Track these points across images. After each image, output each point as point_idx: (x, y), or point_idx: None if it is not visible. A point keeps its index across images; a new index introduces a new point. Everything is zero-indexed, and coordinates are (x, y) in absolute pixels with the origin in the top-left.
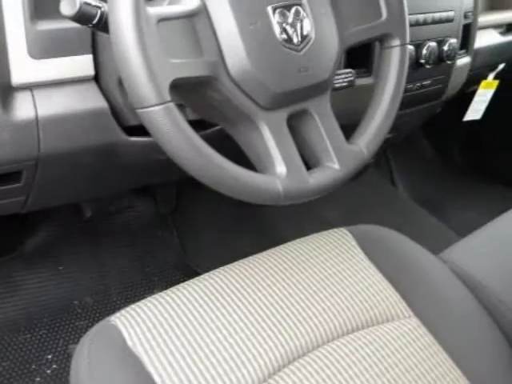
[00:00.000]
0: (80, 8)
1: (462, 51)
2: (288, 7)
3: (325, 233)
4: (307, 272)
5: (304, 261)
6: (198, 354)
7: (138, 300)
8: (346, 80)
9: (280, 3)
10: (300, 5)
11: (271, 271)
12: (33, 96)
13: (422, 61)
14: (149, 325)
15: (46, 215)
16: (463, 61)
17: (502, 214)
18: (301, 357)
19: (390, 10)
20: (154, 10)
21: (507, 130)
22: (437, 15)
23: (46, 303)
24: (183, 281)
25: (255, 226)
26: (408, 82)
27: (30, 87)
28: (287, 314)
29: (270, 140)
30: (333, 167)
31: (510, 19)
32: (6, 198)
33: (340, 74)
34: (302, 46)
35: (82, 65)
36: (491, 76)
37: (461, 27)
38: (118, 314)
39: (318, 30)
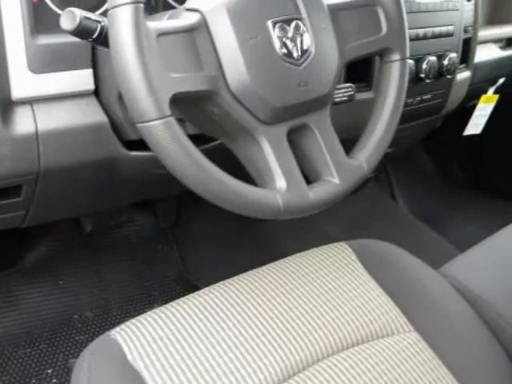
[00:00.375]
0: (80, 22)
1: (462, 65)
2: (288, 21)
3: (325, 247)
4: (307, 286)
5: (304, 275)
6: (198, 369)
7: (138, 314)
8: (346, 94)
9: (280, 17)
10: (300, 19)
11: (271, 285)
12: (33, 110)
13: (422, 75)
14: (149, 339)
15: (46, 229)
16: (463, 75)
17: (502, 229)
18: (301, 371)
19: (390, 24)
20: (153, 25)
21: (507, 144)
22: (437, 30)
23: (46, 317)
24: (183, 295)
25: (255, 241)
26: (408, 96)
27: (30, 101)
28: (287, 329)
29: (270, 154)
30: (333, 182)
31: (509, 34)
32: (6, 212)
33: (340, 89)
34: (302, 60)
35: (82, 79)
36: (491, 90)
37: (461, 42)
38: (118, 329)
39: (318, 45)
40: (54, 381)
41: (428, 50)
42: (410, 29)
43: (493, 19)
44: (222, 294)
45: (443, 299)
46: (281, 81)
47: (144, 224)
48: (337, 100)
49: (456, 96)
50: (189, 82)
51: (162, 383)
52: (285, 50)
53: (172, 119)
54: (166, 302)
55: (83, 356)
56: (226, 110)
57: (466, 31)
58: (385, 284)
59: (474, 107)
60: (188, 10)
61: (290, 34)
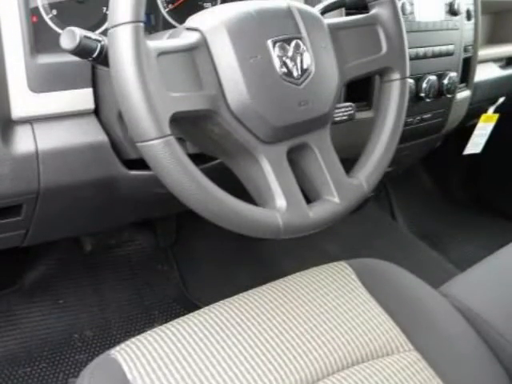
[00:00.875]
0: (80, 42)
1: (462, 85)
2: (288, 41)
3: (325, 266)
4: (307, 305)
5: (304, 294)
6: None
7: (138, 333)
8: (346, 113)
9: (280, 37)
10: (300, 38)
11: (271, 305)
12: (33, 129)
13: (422, 94)
14: (149, 358)
15: (46, 249)
16: (463, 94)
17: (502, 248)
18: None
19: (390, 43)
20: (153, 44)
21: (507, 163)
22: (437, 49)
23: (46, 336)
24: (183, 314)
25: (255, 260)
26: (408, 115)
27: (30, 121)
28: (287, 348)
29: (270, 173)
30: (333, 201)
31: (509, 53)
32: (7, 231)
33: (340, 108)
34: (302, 79)
35: (82, 98)
36: (491, 109)
37: (461, 61)
38: (118, 348)
39: (318, 64)
40: None
41: (428, 69)
42: (410, 48)
43: (493, 38)
44: (222, 313)
45: (443, 318)
46: (281, 100)
47: (144, 243)
48: (337, 119)
49: (456, 115)
50: (189, 101)
51: None
52: (285, 70)
53: (172, 138)
54: (166, 321)
55: (83, 375)
56: (226, 129)
57: (466, 50)
58: (385, 303)
59: (474, 126)
60: (188, 29)
61: (290, 54)
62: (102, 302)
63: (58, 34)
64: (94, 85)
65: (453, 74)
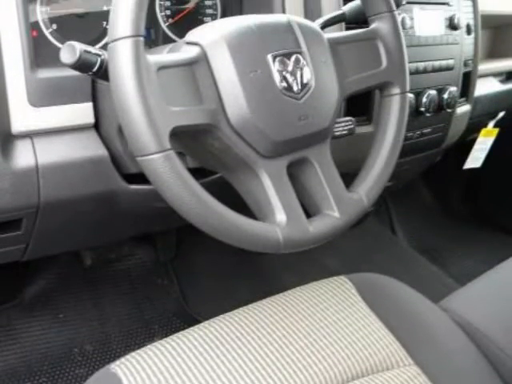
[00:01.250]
0: (80, 56)
1: (462, 99)
2: (288, 55)
3: (325, 281)
4: (307, 320)
5: (304, 309)
6: None
7: (139, 348)
8: (346, 128)
9: (280, 51)
10: (300, 53)
11: (271, 319)
12: (33, 144)
13: (422, 109)
14: (149, 373)
15: (45, 263)
16: (463, 109)
17: (502, 263)
18: None
19: (390, 58)
20: (153, 58)
21: (507, 178)
22: (437, 63)
23: (46, 351)
24: (183, 328)
25: (255, 274)
26: (408, 130)
27: (30, 135)
28: (287, 362)
29: (270, 188)
30: (333, 215)
31: (509, 67)
32: (7, 245)
33: (340, 122)
34: (302, 94)
35: (82, 113)
36: (491, 124)
37: (461, 75)
38: (118, 362)
39: (318, 78)
40: None
41: (428, 83)
42: (410, 62)
43: (493, 53)
44: (222, 327)
45: (443, 333)
46: (281, 114)
47: (144, 257)
48: (337, 134)
49: (456, 130)
50: (189, 115)
51: None
52: (285, 84)
53: (172, 153)
54: (166, 335)
55: None
56: (226, 144)
57: (466, 65)
58: (385, 317)
59: (473, 141)
60: (188, 43)
61: (290, 68)
62: (102, 316)
63: (58, 49)
64: (94, 99)
65: (453, 89)
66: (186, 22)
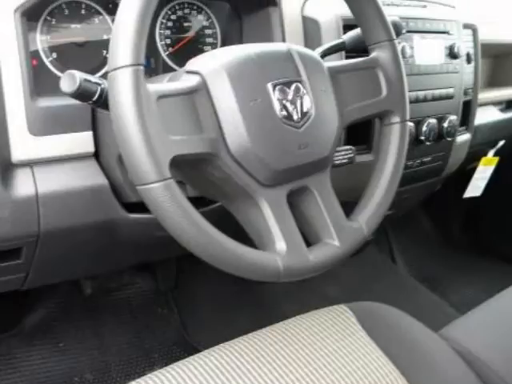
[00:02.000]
0: (80, 85)
1: (462, 128)
2: (288, 84)
3: (325, 309)
4: (307, 348)
5: (304, 337)
6: None
7: (139, 377)
8: (346, 157)
9: (280, 80)
10: (300, 81)
11: (272, 348)
12: (33, 173)
13: (422, 137)
14: None
15: (45, 292)
16: (463, 137)
17: (502, 291)
18: None
19: (390, 86)
20: (153, 87)
21: (507, 206)
22: (437, 92)
23: (46, 380)
24: (183, 357)
25: (255, 303)
26: (408, 158)
27: (30, 164)
28: None
29: (270, 217)
30: (333, 244)
31: (509, 96)
32: (7, 274)
33: (340, 151)
34: (302, 122)
35: (82, 141)
36: (491, 153)
37: (461, 104)
38: None
39: (318, 107)
40: None
41: (428, 112)
42: (410, 91)
43: (493, 82)
44: (222, 356)
45: (443, 361)
46: (281, 143)
47: (144, 286)
48: (337, 162)
49: (456, 158)
50: (189, 144)
51: None
52: (285, 113)
53: (172, 182)
54: (166, 364)
55: None
56: (226, 173)
57: (466, 93)
58: (385, 346)
59: (474, 169)
60: (188, 72)
61: (290, 97)
62: (103, 345)
63: (58, 77)
64: (94, 128)
65: (453, 117)
66: (186, 50)
